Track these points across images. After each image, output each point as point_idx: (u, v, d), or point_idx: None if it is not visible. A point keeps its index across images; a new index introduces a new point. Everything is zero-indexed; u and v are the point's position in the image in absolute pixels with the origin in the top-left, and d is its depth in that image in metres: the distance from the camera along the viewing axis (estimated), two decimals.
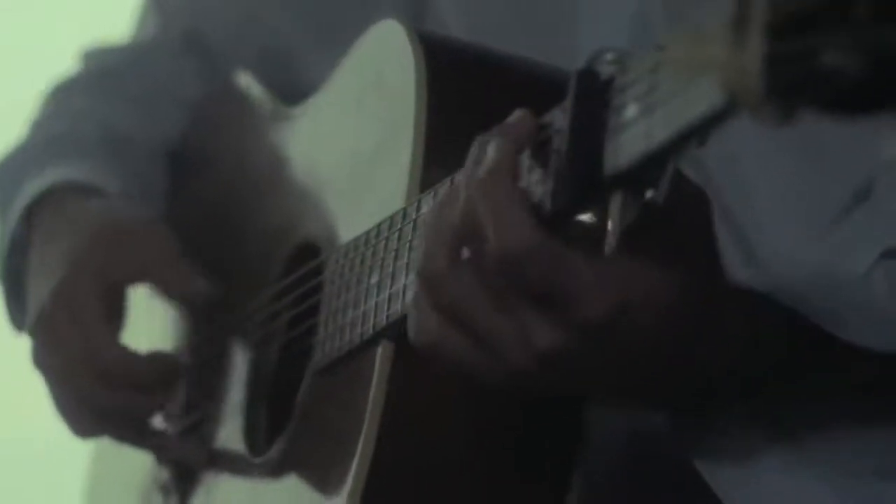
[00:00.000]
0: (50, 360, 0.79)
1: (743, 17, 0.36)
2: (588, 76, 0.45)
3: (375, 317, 0.61)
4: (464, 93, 0.67)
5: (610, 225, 0.48)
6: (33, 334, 0.82)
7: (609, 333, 0.46)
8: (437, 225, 0.49)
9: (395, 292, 0.59)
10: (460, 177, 0.48)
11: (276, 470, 0.72)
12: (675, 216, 0.45)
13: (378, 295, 0.61)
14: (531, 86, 0.69)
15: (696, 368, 0.50)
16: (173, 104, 1.01)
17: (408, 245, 0.59)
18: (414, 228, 0.59)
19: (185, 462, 0.86)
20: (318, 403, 0.69)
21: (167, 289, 0.81)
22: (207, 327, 0.87)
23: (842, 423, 0.53)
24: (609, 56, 0.46)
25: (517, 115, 0.48)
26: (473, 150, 0.48)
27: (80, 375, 0.78)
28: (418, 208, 0.59)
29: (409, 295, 0.58)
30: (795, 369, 0.52)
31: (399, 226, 0.61)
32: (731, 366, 0.51)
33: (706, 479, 0.54)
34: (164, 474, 0.88)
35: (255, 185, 0.92)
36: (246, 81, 0.98)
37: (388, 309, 0.59)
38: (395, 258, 0.60)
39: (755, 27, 0.35)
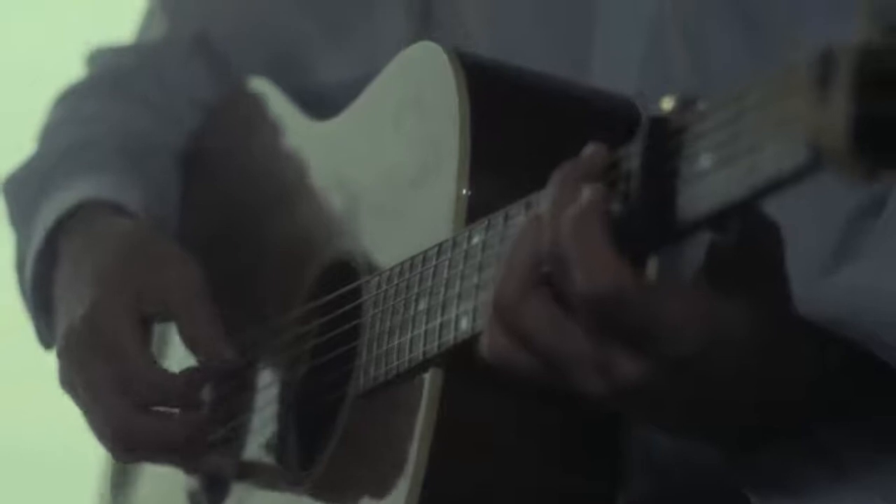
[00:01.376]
0: (80, 383, 0.79)
1: (829, 76, 0.36)
2: (660, 122, 0.45)
3: (425, 344, 0.61)
4: (506, 116, 0.68)
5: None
6: (62, 356, 0.81)
7: (691, 368, 0.47)
8: (516, 256, 0.49)
9: (447, 321, 0.60)
10: (544, 209, 0.48)
11: (317, 488, 0.72)
12: (747, 252, 0.46)
13: (427, 323, 0.61)
14: (573, 109, 0.70)
15: (767, 402, 0.51)
16: (188, 106, 1.00)
17: (459, 275, 0.59)
18: (465, 258, 0.59)
19: (216, 473, 0.86)
20: (361, 426, 0.69)
21: (188, 330, 0.80)
22: (233, 339, 0.87)
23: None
24: (672, 100, 0.46)
25: (595, 150, 0.49)
26: (556, 183, 0.48)
27: (113, 402, 0.78)
28: (469, 238, 0.60)
29: (463, 324, 0.58)
30: (857, 405, 0.53)
31: (448, 255, 0.61)
32: (799, 399, 0.52)
33: None
34: (194, 484, 0.89)
35: (276, 196, 0.92)
36: (262, 87, 0.97)
37: (440, 338, 0.60)
38: (446, 287, 0.60)
39: (843, 86, 0.35)
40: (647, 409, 0.52)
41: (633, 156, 0.47)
